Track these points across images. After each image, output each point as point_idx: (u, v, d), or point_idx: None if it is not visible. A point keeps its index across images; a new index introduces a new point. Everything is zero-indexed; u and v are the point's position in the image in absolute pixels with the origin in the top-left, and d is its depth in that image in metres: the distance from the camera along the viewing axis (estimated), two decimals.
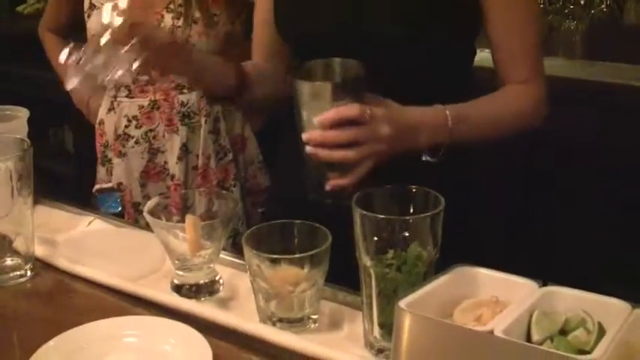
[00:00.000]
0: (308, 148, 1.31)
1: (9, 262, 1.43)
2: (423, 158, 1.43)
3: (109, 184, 2.21)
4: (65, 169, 3.97)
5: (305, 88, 1.32)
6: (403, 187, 1.16)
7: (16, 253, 1.43)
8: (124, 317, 1.25)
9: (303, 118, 1.32)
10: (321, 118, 1.29)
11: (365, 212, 1.10)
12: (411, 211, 1.14)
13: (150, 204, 1.35)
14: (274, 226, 1.27)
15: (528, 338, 0.96)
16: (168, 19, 2.14)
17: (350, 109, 1.29)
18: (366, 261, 1.12)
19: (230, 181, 2.27)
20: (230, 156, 2.26)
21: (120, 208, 2.17)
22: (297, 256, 1.21)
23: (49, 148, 4.22)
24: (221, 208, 1.36)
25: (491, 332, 0.91)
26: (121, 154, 2.23)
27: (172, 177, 2.20)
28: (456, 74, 1.54)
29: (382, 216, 1.09)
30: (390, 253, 1.10)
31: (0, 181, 1.37)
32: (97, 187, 2.22)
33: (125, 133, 2.22)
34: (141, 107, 2.21)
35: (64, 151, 4.26)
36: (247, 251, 1.21)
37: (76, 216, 1.72)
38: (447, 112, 1.41)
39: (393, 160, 1.35)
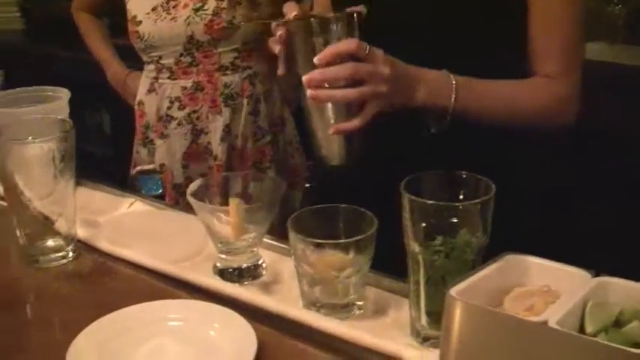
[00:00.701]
0: (309, 92, 1.29)
1: (51, 243, 1.43)
2: (432, 130, 1.41)
3: (150, 166, 2.20)
4: (102, 151, 3.98)
5: (296, 27, 1.30)
6: (453, 173, 1.14)
7: (57, 234, 1.43)
8: (168, 300, 1.24)
9: (299, 63, 1.31)
10: (320, 55, 1.27)
11: (414, 197, 1.08)
12: (461, 197, 1.12)
13: (192, 186, 1.34)
14: (320, 210, 1.25)
15: (581, 330, 0.93)
16: (211, 1, 2.13)
17: (347, 43, 1.27)
18: (414, 247, 1.10)
19: (266, 162, 2.26)
20: (268, 137, 2.26)
21: (161, 190, 2.17)
22: (342, 241, 1.19)
23: (86, 130, 4.23)
24: (265, 192, 1.35)
25: (545, 323, 0.89)
26: (164, 136, 2.23)
27: (215, 157, 2.19)
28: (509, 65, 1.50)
29: (432, 202, 1.07)
30: (439, 240, 1.08)
31: (43, 162, 1.37)
32: (137, 168, 2.22)
33: (168, 115, 2.22)
34: (183, 89, 2.20)
35: (101, 133, 4.27)
36: (292, 235, 1.19)
37: (117, 198, 1.72)
38: (451, 75, 1.38)
39: (444, 143, 1.33)
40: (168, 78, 2.22)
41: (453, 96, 1.37)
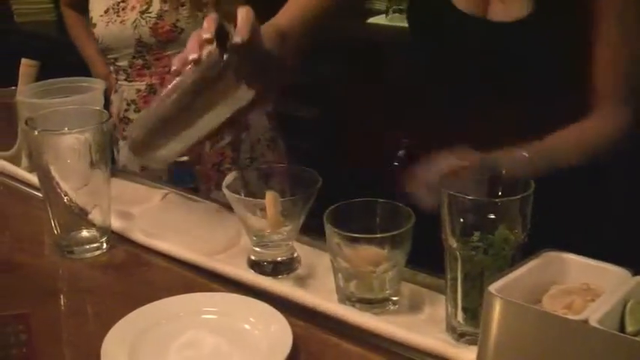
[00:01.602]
0: None
1: (85, 234, 1.43)
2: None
3: (184, 158, 2.19)
4: None
5: None
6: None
7: (92, 225, 1.43)
8: (203, 293, 1.24)
9: None
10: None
11: (453, 193, 1.07)
12: (500, 193, 1.11)
13: (228, 179, 1.34)
14: (356, 204, 1.24)
15: (621, 329, 0.92)
16: (156, 3, 2.11)
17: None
18: (452, 243, 1.09)
19: (226, 164, 2.23)
20: (227, 139, 2.21)
21: (194, 183, 2.15)
22: (377, 236, 1.18)
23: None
24: (300, 185, 1.34)
25: (586, 321, 0.88)
26: (124, 137, 2.23)
27: None
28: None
29: (471, 197, 1.06)
30: (476, 236, 1.07)
31: (78, 153, 1.36)
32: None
33: (125, 117, 2.21)
34: (138, 91, 2.19)
35: None
36: (328, 229, 1.19)
37: (150, 189, 1.72)
38: None
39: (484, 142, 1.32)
40: (125, 80, 2.22)
41: None
